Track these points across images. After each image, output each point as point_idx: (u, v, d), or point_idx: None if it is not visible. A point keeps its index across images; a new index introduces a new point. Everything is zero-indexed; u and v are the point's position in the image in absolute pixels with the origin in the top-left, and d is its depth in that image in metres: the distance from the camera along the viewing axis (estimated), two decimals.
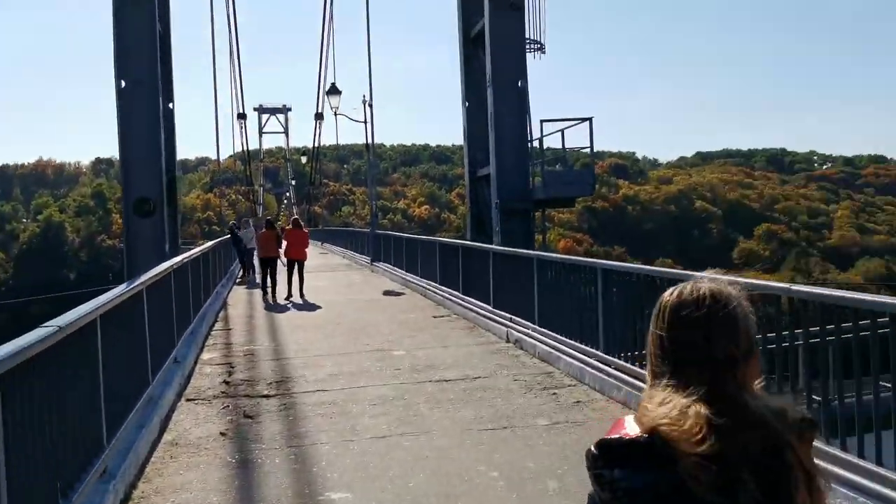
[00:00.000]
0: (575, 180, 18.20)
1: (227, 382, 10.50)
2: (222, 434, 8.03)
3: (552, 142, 18.40)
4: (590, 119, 16.60)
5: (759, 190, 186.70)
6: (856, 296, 5.19)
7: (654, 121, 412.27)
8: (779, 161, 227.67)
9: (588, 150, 17.74)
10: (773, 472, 1.53)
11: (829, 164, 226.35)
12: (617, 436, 1.59)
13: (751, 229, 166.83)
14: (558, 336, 10.82)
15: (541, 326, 11.53)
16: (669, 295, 1.73)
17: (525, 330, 12.15)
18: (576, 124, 17.00)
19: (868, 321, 5.14)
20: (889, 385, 5.16)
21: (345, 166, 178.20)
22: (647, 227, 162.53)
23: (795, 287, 5.51)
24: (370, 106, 29.85)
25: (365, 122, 29.89)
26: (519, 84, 17.08)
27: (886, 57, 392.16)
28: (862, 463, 5.01)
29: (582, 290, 10.07)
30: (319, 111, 53.34)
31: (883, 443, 5.08)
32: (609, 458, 1.56)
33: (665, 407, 1.58)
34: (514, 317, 12.78)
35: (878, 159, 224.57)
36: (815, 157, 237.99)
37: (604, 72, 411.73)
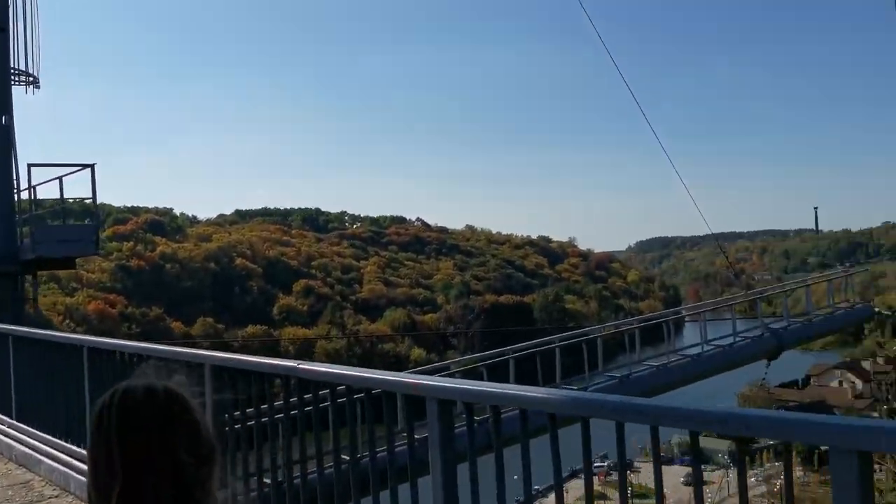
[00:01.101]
0: (73, 237, 14.99)
1: None
2: None
3: (53, 192, 15.20)
4: (91, 165, 13.97)
5: (297, 247, 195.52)
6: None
7: (192, 177, 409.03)
8: (314, 220, 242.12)
9: (91, 199, 14.78)
10: None
11: (359, 224, 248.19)
12: None
13: (290, 285, 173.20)
14: (40, 433, 8.52)
15: (20, 422, 9.03)
16: (110, 396, 1.53)
17: (1, 427, 9.47)
18: (77, 170, 14.22)
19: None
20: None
21: None
22: (186, 284, 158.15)
23: (303, 366, 4.59)
24: None
25: None
26: (2, 120, 13.93)
27: (394, 131, 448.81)
28: None
29: (68, 373, 7.98)
30: None
31: None
32: None
33: None
34: None
35: (399, 220, 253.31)
36: (347, 217, 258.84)
37: (139, 123, 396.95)
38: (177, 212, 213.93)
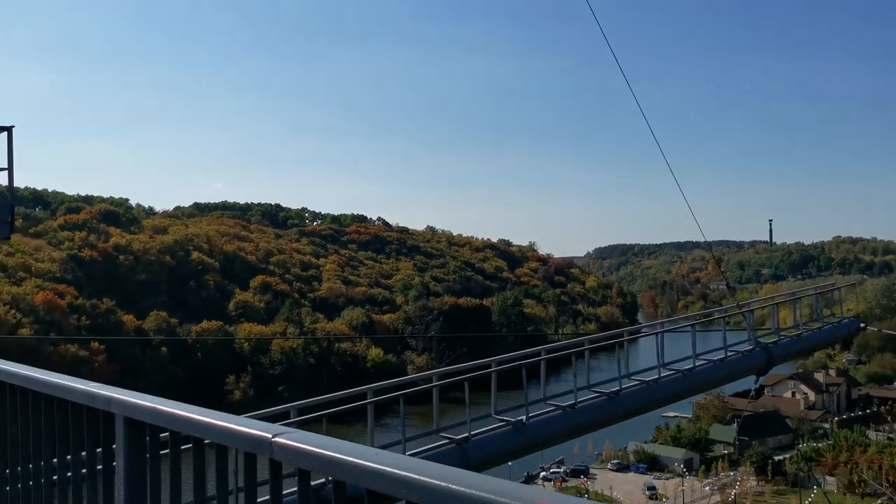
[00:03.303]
0: None
1: None
2: None
3: None
4: (8, 129, 10.97)
5: (256, 243, 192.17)
6: None
7: (150, 167, 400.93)
8: (273, 216, 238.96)
9: (7, 170, 11.35)
10: None
11: (319, 221, 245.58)
12: None
13: (247, 281, 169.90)
14: None
15: None
16: None
17: None
18: None
19: None
20: None
21: None
22: (140, 277, 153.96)
23: (280, 439, 2.50)
24: None
25: None
26: None
27: (358, 131, 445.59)
28: None
29: None
30: None
31: None
32: None
33: None
34: None
35: (360, 218, 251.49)
36: (307, 214, 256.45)
37: (96, 109, 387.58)
38: (133, 202, 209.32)
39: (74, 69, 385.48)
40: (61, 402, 3.65)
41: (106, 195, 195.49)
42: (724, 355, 22.74)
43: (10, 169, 10.73)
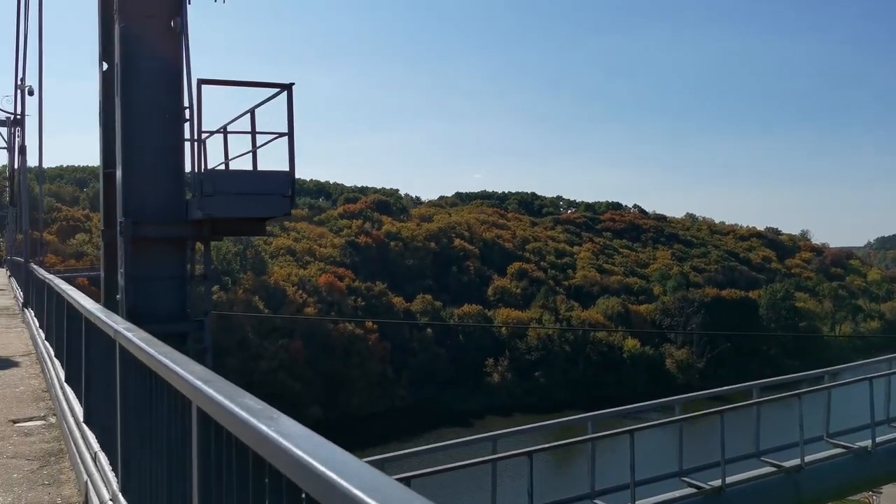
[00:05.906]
0: (259, 189, 9.69)
1: None
2: None
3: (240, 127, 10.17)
4: (289, 86, 9.21)
5: (512, 230, 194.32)
6: None
7: (417, 159, 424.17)
8: (529, 204, 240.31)
9: (287, 136, 9.67)
10: None
11: (573, 209, 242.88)
12: None
13: (504, 267, 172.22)
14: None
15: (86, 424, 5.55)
16: None
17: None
18: (275, 94, 9.37)
19: None
20: None
21: (83, 190, 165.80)
22: (408, 262, 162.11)
23: None
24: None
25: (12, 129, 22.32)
26: (172, 24, 9.83)
27: (613, 117, 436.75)
28: None
29: (169, 417, 4.18)
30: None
31: None
32: None
33: None
34: (100, 452, 6.31)
35: (615, 206, 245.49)
36: (562, 202, 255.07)
37: (371, 106, 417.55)
38: (402, 192, 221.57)
39: (354, 70, 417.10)
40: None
41: (379, 186, 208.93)
42: None
43: (290, 134, 9.28)
